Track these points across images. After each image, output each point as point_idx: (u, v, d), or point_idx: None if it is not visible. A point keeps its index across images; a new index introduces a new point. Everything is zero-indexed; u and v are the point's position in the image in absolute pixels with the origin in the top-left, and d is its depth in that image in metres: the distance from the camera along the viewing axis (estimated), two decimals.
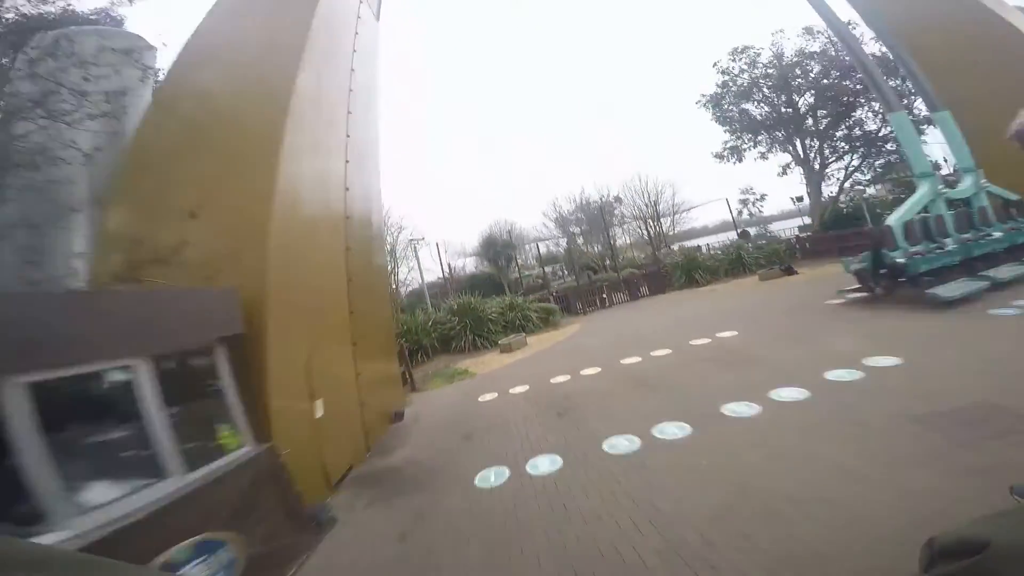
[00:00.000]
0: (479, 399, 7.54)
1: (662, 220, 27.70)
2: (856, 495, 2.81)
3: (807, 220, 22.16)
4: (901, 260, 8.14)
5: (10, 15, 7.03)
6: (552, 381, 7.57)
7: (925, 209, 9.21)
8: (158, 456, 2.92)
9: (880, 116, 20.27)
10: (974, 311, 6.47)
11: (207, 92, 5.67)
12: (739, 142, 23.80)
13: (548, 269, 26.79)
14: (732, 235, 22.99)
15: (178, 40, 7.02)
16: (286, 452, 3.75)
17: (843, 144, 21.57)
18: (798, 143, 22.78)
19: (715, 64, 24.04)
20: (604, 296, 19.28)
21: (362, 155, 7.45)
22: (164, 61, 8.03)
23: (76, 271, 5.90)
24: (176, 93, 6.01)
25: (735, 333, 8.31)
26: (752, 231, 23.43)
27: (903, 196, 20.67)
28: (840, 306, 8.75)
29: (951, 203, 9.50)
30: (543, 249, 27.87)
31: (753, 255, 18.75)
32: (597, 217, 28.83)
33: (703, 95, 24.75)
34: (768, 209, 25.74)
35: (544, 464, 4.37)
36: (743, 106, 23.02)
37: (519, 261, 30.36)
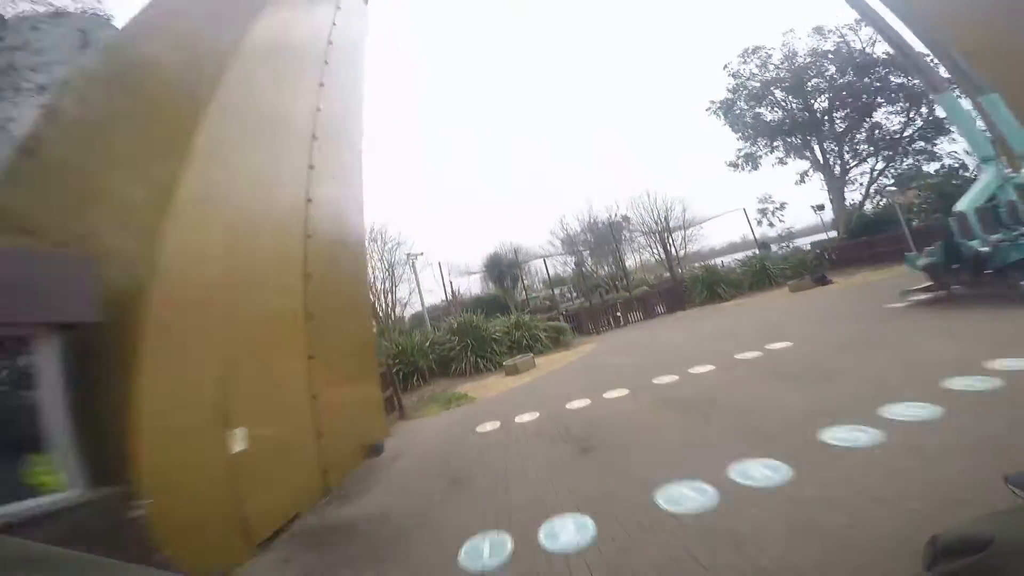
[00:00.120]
0: (477, 429, 6.04)
1: (674, 235, 26.31)
2: None
3: (833, 234, 20.64)
4: (985, 249, 6.73)
5: None
6: (569, 407, 6.07)
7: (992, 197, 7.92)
8: None
9: (906, 114, 19.19)
10: None
11: (137, 64, 4.66)
12: (754, 148, 22.68)
13: (556, 291, 25.42)
14: (746, 253, 21.63)
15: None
16: (145, 502, 2.36)
17: (865, 147, 20.36)
18: (816, 148, 21.60)
19: (725, 67, 23.15)
20: (618, 314, 17.82)
21: (336, 134, 6.34)
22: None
23: None
24: (107, 65, 5.01)
25: (789, 344, 6.82)
26: (774, 247, 22.01)
27: (930, 201, 19.59)
28: (908, 308, 7.34)
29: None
30: (550, 270, 26.65)
31: (779, 266, 17.30)
32: (606, 236, 27.69)
33: (713, 102, 23.79)
34: (787, 221, 24.29)
35: (567, 531, 2.86)
36: (757, 110, 22.03)
37: (525, 282, 29.09)
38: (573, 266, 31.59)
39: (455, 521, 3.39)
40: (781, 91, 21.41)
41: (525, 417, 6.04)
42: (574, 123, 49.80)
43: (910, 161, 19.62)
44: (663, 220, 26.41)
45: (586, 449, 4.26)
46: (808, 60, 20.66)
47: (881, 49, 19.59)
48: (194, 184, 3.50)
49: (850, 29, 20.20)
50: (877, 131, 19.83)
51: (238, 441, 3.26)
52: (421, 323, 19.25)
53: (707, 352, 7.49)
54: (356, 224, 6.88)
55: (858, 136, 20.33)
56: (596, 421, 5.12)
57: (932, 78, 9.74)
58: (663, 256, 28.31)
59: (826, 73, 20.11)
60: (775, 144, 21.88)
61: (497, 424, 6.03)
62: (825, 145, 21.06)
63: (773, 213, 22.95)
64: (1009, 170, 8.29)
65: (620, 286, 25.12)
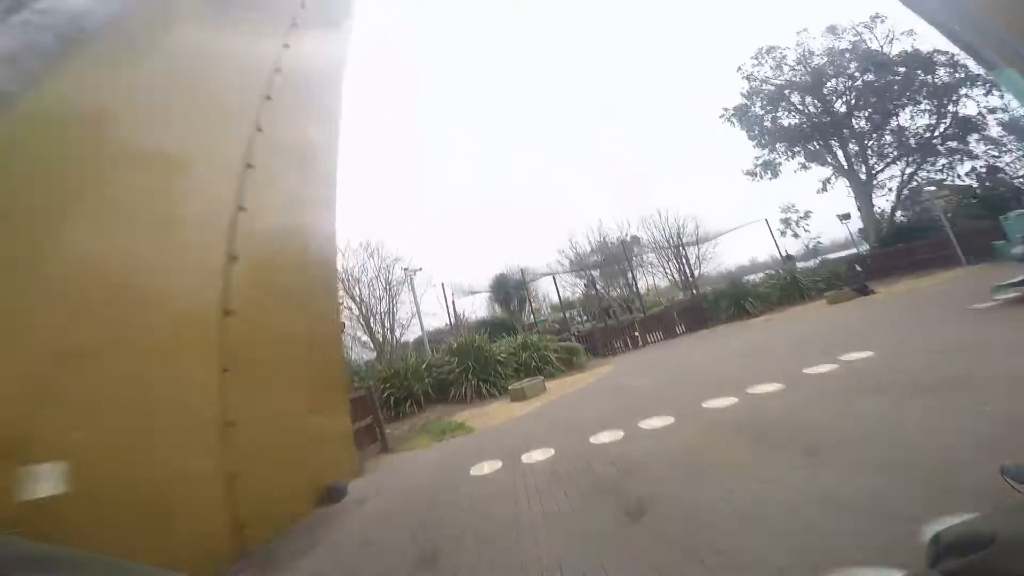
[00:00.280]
0: (471, 471, 4.53)
1: (688, 251, 24.82)
2: None
3: (863, 249, 19.03)
4: None
5: None
6: (594, 440, 4.54)
7: None
8: None
9: (936, 112, 17.91)
10: None
11: None
12: (773, 155, 21.37)
13: (565, 315, 23.91)
14: (766, 272, 20.14)
15: None
16: None
17: (893, 148, 19.02)
18: (839, 153, 20.28)
19: (739, 69, 21.98)
20: (636, 334, 16.27)
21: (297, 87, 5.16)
22: None
23: None
24: None
25: (870, 354, 5.32)
26: (802, 263, 20.47)
27: (968, 204, 18.19)
28: (999, 307, 5.99)
29: None
30: (559, 292, 25.20)
31: (810, 278, 15.81)
32: (617, 255, 26.43)
33: (726, 109, 22.51)
34: (812, 231, 22.62)
35: None
36: (775, 114, 20.83)
37: (533, 305, 27.68)
38: (583, 287, 30.30)
39: None
40: (798, 94, 20.34)
41: (535, 455, 4.52)
42: (582, 135, 49.51)
43: (943, 161, 18.26)
44: (677, 236, 25.11)
45: (634, 511, 2.73)
46: (825, 60, 19.69)
47: (899, 48, 18.77)
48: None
49: (865, 27, 19.42)
50: (904, 132, 18.61)
51: (45, 481, 1.89)
52: (421, 346, 17.86)
53: (760, 370, 5.98)
54: (324, 214, 5.65)
55: (884, 138, 19.08)
56: (638, 462, 3.61)
57: (985, 55, 8.56)
58: (676, 277, 26.84)
59: (847, 71, 19.07)
60: (795, 149, 20.65)
61: (498, 464, 4.52)
62: (849, 148, 19.77)
63: (797, 223, 21.32)
64: None
65: (634, 307, 23.62)
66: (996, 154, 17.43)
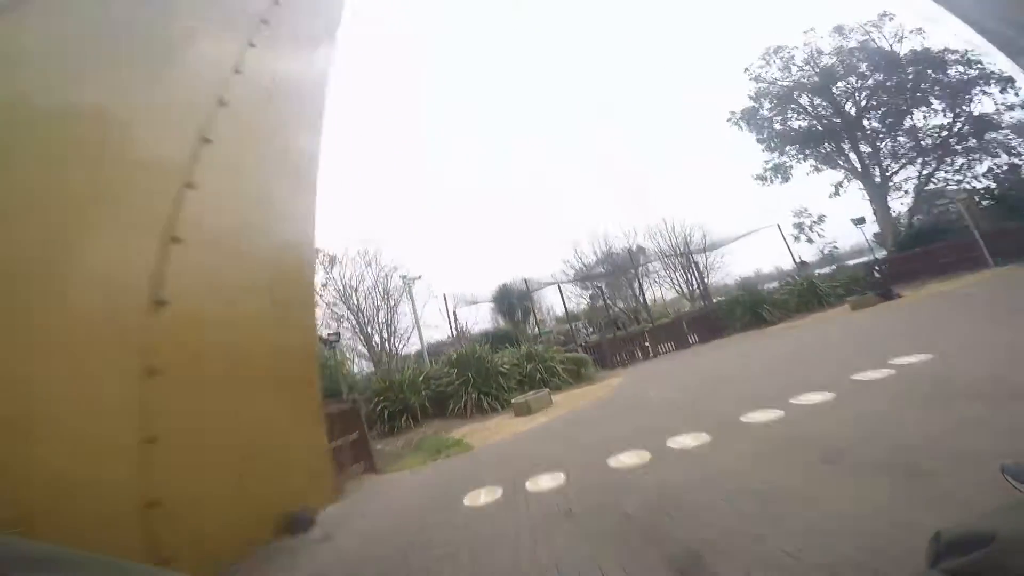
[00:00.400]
0: (466, 500, 3.79)
1: (696, 259, 24.02)
2: None
3: (881, 254, 18.19)
4: None
5: None
6: (613, 463, 3.77)
7: None
8: None
9: (952, 110, 17.29)
10: None
11: None
12: (783, 159, 20.64)
13: (570, 326, 23.13)
14: (774, 284, 19.38)
15: None
16: None
17: (908, 149, 18.35)
18: (852, 155, 19.59)
19: (746, 70, 21.35)
20: (646, 345, 15.51)
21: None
22: None
23: None
24: None
25: (928, 357, 4.60)
26: (816, 270, 19.67)
27: (988, 205, 17.50)
28: None
29: None
30: (563, 303, 24.47)
31: (828, 284, 15.10)
32: (623, 265, 25.78)
33: (733, 112, 21.81)
34: (827, 236, 21.75)
35: None
36: (785, 116, 20.25)
37: (538, 317, 26.96)
38: (588, 299, 29.63)
39: None
40: (808, 95, 19.77)
41: (543, 481, 3.76)
42: (585, 139, 49.10)
43: (961, 161, 17.58)
44: (684, 245, 24.43)
45: (686, 564, 1.98)
46: (834, 59, 19.18)
47: (908, 46, 18.30)
48: None
49: (873, 26, 18.99)
50: (919, 132, 18.00)
51: None
52: (420, 357, 17.17)
53: (801, 377, 5.23)
54: (301, 213, 5.03)
55: (898, 139, 18.45)
56: (674, 493, 2.86)
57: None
58: (684, 288, 26.06)
59: (857, 71, 18.57)
60: (806, 152, 20.01)
61: (498, 492, 3.76)
62: (861, 150, 19.12)
63: (811, 228, 20.51)
64: None
65: (641, 319, 22.86)
66: (1020, 152, 16.76)
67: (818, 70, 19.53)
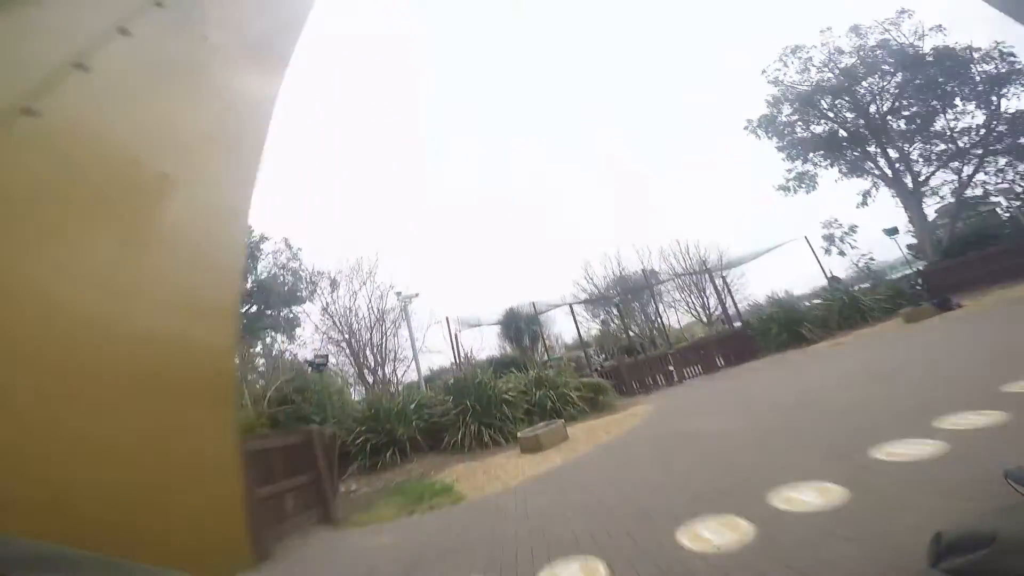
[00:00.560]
0: None
1: (715, 277, 22.39)
2: None
3: (921, 265, 16.55)
4: None
5: None
6: (688, 544, 2.26)
7: None
8: None
9: (987, 107, 16.01)
10: None
11: None
12: (807, 166, 19.29)
13: (584, 351, 21.50)
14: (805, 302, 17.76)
15: None
16: None
17: (942, 151, 17.07)
18: (881, 160, 18.19)
19: (763, 71, 20.07)
20: (670, 369, 13.89)
21: None
22: None
23: None
24: None
25: None
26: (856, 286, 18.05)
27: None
28: None
29: None
30: (573, 329, 22.88)
31: (871, 297, 13.58)
32: (638, 287, 24.33)
33: (750, 120, 20.54)
34: (860, 247, 19.99)
35: None
36: (807, 120, 19.03)
37: (547, 343, 25.31)
38: (600, 325, 28.05)
39: None
40: (829, 98, 18.64)
41: (570, 573, 2.28)
42: (590, 144, 48.36)
43: (1003, 160, 16.13)
44: (702, 264, 22.95)
45: None
46: (855, 59, 18.11)
47: (930, 44, 17.28)
48: None
49: (891, 24, 17.92)
50: (952, 133, 16.67)
51: None
52: (414, 383, 15.65)
53: (910, 396, 3.70)
54: (226, 172, 3.87)
55: (931, 141, 17.11)
56: None
57: None
58: (699, 312, 24.38)
59: (879, 70, 17.46)
60: (831, 159, 18.67)
61: None
62: (890, 154, 17.76)
63: (842, 239, 18.87)
64: None
65: (658, 343, 21.16)
66: None
67: (839, 70, 18.48)
